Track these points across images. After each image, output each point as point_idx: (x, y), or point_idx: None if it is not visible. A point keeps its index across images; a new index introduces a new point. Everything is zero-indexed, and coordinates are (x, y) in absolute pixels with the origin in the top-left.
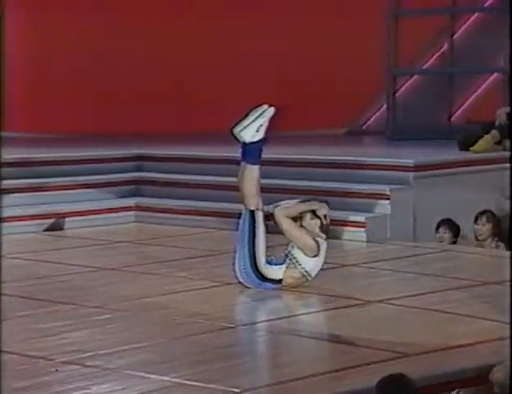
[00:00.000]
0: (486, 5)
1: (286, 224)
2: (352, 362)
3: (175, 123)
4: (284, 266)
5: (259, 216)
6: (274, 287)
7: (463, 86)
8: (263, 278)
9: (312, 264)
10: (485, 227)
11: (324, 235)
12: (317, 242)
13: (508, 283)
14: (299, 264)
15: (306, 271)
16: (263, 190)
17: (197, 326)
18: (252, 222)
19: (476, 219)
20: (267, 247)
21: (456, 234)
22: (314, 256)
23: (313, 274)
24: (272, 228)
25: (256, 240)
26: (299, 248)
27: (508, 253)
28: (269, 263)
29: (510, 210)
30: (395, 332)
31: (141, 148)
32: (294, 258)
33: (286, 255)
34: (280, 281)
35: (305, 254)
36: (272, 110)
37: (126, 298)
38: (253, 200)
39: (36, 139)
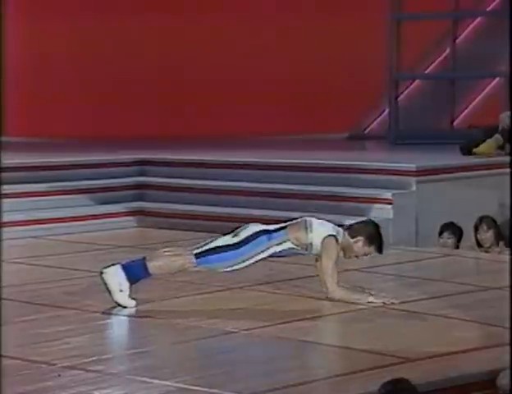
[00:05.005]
0: (488, 9)
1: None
2: (354, 367)
3: (177, 127)
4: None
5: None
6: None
7: (465, 91)
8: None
9: (318, 243)
10: (488, 234)
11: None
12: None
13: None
14: (311, 232)
15: (311, 243)
16: (265, 194)
17: (199, 331)
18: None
19: (476, 228)
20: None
21: (459, 238)
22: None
23: (313, 252)
24: None
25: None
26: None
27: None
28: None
29: (510, 214)
30: (397, 337)
31: (143, 152)
32: (311, 225)
33: (305, 221)
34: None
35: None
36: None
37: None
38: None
39: (36, 144)
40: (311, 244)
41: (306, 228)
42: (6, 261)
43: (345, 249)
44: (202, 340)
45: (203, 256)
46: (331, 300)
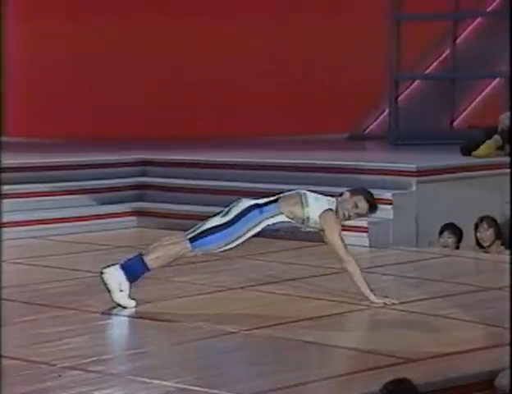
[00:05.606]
0: (488, 9)
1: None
2: (354, 367)
3: (177, 127)
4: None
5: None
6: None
7: (465, 91)
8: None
9: (316, 217)
10: (488, 233)
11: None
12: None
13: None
14: (307, 206)
15: (308, 217)
16: (264, 194)
17: (199, 331)
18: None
19: (476, 227)
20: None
21: (460, 238)
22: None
23: (311, 225)
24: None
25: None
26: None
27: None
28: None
29: (510, 214)
30: (397, 337)
31: (145, 153)
32: (306, 200)
33: (300, 195)
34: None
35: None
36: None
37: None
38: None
39: (36, 145)
40: (308, 218)
41: (301, 202)
42: (7, 261)
43: (337, 212)
44: (202, 340)
45: (197, 240)
46: (344, 270)
